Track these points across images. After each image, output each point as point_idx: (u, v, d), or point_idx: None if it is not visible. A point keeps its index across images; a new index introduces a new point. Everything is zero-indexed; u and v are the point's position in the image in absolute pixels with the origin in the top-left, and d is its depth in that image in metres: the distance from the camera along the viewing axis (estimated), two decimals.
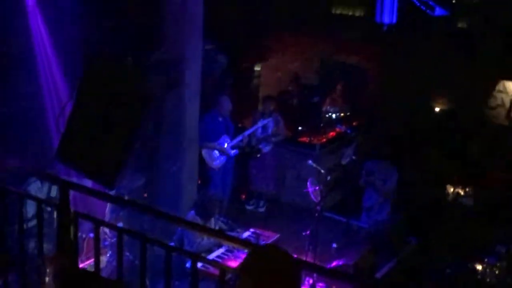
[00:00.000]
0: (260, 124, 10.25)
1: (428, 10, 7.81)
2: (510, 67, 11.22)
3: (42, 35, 8.08)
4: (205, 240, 7.39)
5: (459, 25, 11.65)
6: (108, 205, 7.54)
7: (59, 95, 8.25)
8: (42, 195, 7.00)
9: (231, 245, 6.78)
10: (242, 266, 2.48)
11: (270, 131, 10.53)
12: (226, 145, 9.66)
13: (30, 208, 4.75)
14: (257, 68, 13.51)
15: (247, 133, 10.00)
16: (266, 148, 10.61)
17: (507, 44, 10.88)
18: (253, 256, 2.52)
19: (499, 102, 11.88)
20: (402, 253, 8.81)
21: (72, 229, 4.12)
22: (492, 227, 8.89)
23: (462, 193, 10.27)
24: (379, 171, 9.47)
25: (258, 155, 10.56)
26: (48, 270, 3.70)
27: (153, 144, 8.65)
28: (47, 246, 4.53)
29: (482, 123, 11.71)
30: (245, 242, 4.74)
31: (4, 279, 4.75)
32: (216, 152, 9.63)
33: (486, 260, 7.97)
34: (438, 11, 8.00)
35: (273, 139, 10.62)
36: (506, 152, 10.75)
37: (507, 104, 11.75)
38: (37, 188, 7.26)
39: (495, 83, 11.83)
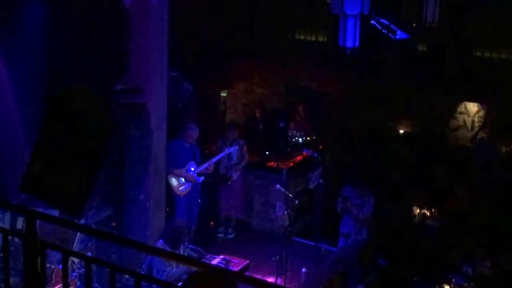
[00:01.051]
0: (226, 151, 10.27)
1: (390, 34, 7.97)
2: (471, 89, 11.42)
3: None
4: (174, 269, 7.32)
5: (420, 48, 11.88)
6: (78, 235, 7.45)
7: (15, 124, 8.12)
8: (5, 226, 6.87)
9: None
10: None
11: (234, 157, 10.54)
12: (192, 171, 9.65)
13: None
14: (223, 94, 13.56)
15: (213, 160, 10.00)
16: (236, 175, 10.63)
17: (466, 65, 11.12)
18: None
19: (460, 123, 12.08)
20: (371, 275, 8.82)
21: (39, 260, 4.04)
22: (458, 247, 8.96)
23: (428, 214, 10.36)
24: (355, 197, 9.33)
25: (229, 182, 10.58)
26: None
27: (120, 173, 8.58)
28: (14, 280, 4.43)
29: (444, 144, 11.87)
30: (215, 269, 4.71)
31: None
32: (182, 178, 9.61)
33: (453, 280, 8.02)
34: (400, 34, 8.16)
35: (241, 165, 10.63)
36: (469, 172, 10.89)
37: (469, 125, 11.95)
38: None
39: (457, 104, 12.04)
